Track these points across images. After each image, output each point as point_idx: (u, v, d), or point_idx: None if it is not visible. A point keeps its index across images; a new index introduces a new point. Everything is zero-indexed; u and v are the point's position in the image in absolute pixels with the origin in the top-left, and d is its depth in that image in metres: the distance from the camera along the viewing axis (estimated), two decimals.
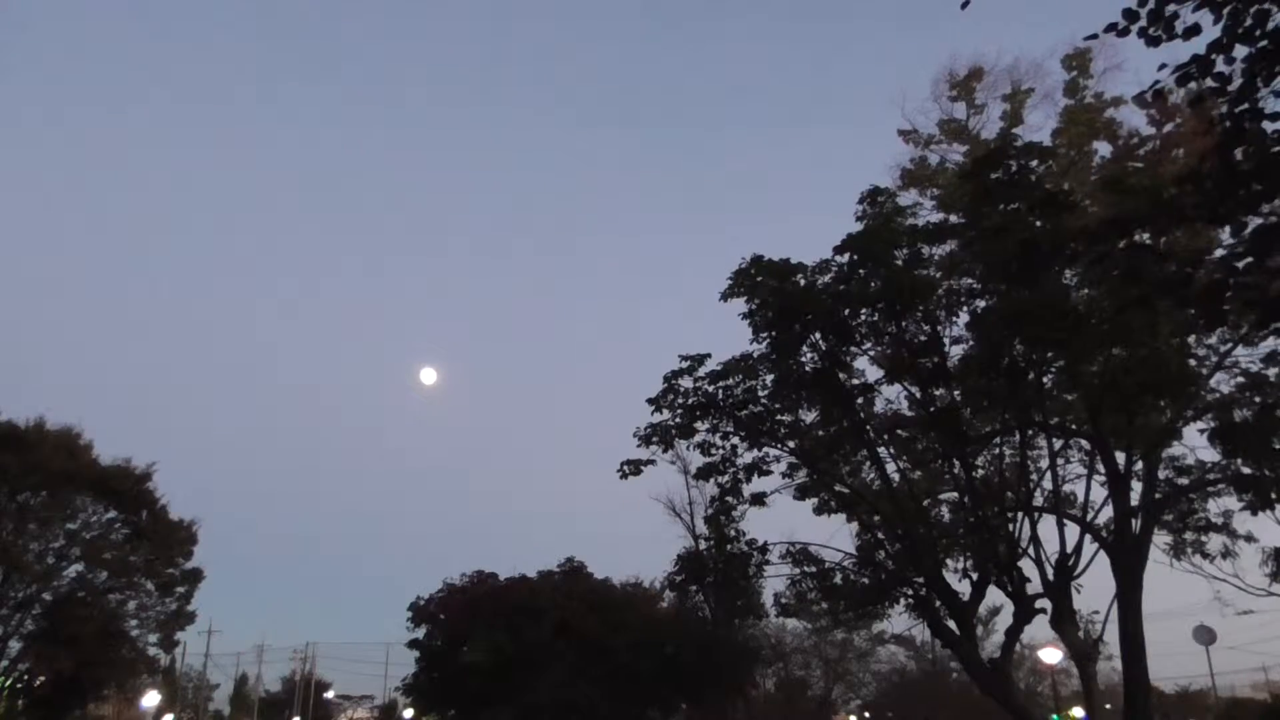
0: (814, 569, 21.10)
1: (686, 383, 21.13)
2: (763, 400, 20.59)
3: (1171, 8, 5.77)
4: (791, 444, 21.16)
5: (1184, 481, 19.72)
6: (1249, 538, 19.85)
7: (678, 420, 21.01)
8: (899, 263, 18.69)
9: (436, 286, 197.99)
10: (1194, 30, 5.80)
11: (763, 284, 19.46)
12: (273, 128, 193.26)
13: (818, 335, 19.44)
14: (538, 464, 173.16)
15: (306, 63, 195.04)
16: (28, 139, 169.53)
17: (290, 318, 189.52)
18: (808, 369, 19.94)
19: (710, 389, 20.78)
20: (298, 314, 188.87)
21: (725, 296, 19.99)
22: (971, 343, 18.72)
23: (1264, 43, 5.49)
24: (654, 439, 21.12)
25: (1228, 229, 6.05)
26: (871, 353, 20.19)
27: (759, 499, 21.21)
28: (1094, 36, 6.54)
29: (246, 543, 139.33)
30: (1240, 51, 5.66)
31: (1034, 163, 17.41)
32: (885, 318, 19.09)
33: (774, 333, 19.64)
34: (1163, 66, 5.89)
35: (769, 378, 20.46)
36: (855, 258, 18.98)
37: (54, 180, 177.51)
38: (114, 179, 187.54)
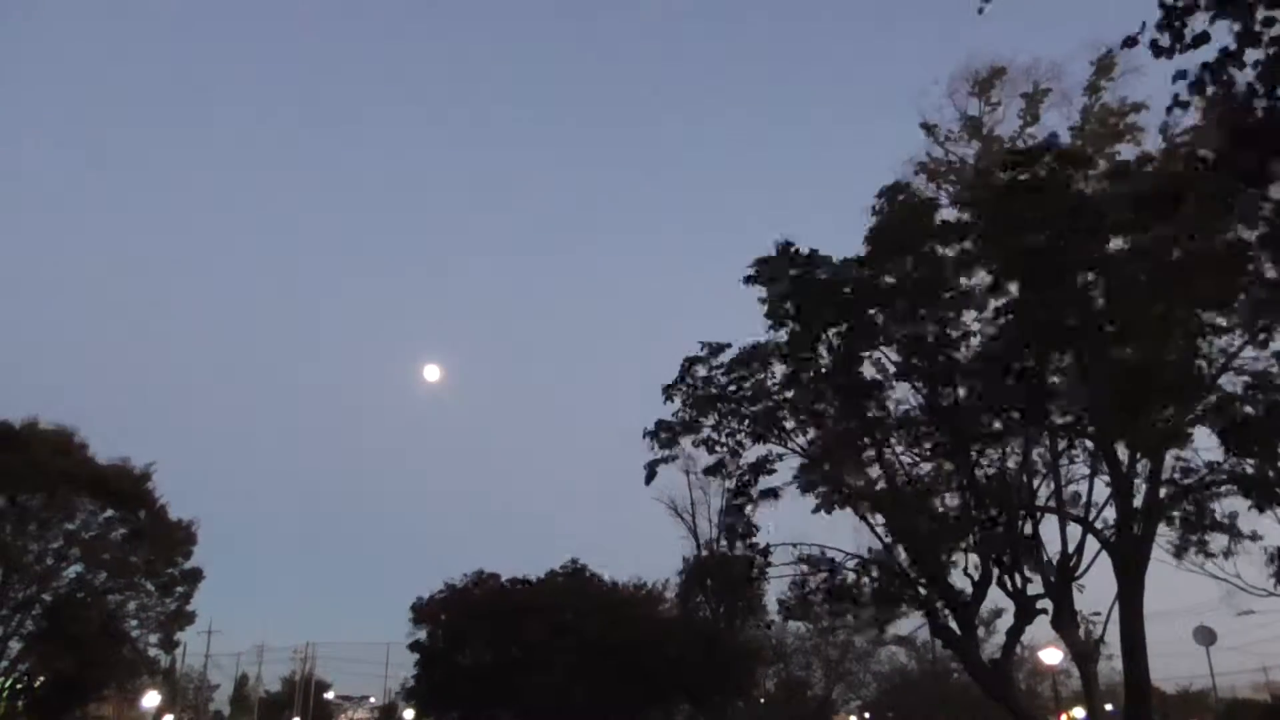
0: (824, 571, 20.90)
1: (703, 370, 21.06)
2: (774, 395, 20.51)
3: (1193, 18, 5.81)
4: (800, 440, 21.04)
5: (1188, 481, 19.67)
6: (1253, 536, 19.79)
7: (689, 413, 20.97)
8: (925, 252, 18.63)
9: (440, 283, 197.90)
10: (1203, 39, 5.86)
11: (784, 276, 19.31)
12: (273, 126, 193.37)
13: (834, 331, 19.33)
14: (541, 463, 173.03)
15: (308, 65, 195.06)
16: (26, 138, 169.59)
17: (292, 315, 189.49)
18: (824, 364, 19.83)
19: (724, 380, 20.73)
20: (299, 312, 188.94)
21: (748, 281, 19.78)
22: (983, 340, 18.67)
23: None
24: (662, 435, 21.12)
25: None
26: (887, 349, 20.11)
27: (769, 494, 21.06)
28: (1130, 43, 6.51)
29: (246, 543, 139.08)
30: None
31: (1070, 170, 17.30)
32: (902, 315, 19.00)
33: (793, 325, 19.51)
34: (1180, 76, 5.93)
35: (779, 369, 20.35)
36: (878, 251, 18.87)
37: (53, 179, 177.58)
38: (113, 178, 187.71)
